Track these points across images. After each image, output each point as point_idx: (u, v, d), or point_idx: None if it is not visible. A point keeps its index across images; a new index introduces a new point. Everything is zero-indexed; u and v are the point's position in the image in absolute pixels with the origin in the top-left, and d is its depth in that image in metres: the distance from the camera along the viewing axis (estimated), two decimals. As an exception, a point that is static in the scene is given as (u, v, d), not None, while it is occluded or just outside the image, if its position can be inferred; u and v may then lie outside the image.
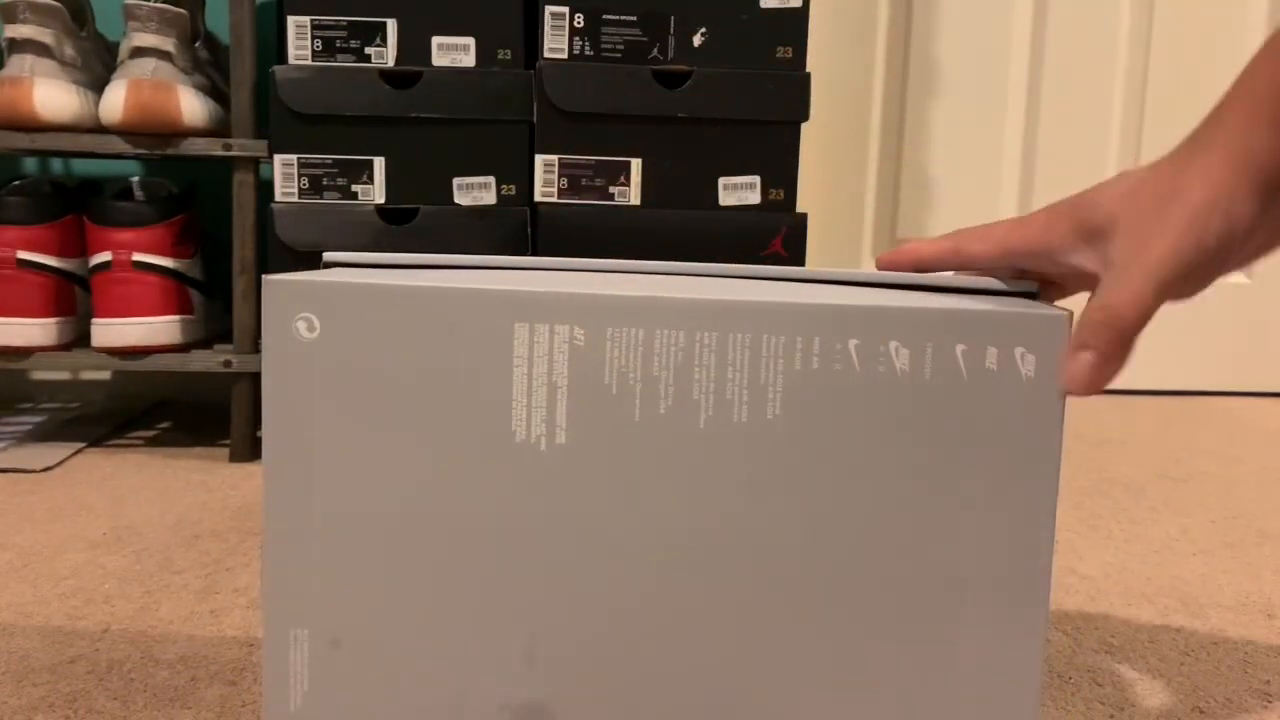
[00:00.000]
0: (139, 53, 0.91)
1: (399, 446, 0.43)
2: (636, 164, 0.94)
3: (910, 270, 0.46)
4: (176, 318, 0.96)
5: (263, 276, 0.45)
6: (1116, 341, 0.38)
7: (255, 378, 0.98)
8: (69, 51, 0.93)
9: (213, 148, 0.93)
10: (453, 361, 0.43)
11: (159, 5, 0.92)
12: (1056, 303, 0.45)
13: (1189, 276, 0.37)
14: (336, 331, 0.43)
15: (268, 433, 0.44)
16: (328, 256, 0.47)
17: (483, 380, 0.43)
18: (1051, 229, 0.41)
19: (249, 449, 0.96)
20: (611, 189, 0.94)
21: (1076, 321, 0.39)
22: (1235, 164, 0.36)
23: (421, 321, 0.43)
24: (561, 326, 0.43)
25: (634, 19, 0.92)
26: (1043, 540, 0.41)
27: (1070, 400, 1.36)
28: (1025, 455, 0.41)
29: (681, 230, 0.94)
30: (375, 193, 0.93)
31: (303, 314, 0.43)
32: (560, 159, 0.93)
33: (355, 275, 0.44)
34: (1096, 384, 0.39)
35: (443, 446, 0.43)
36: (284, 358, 0.43)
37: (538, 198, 0.93)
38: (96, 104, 0.94)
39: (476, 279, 0.44)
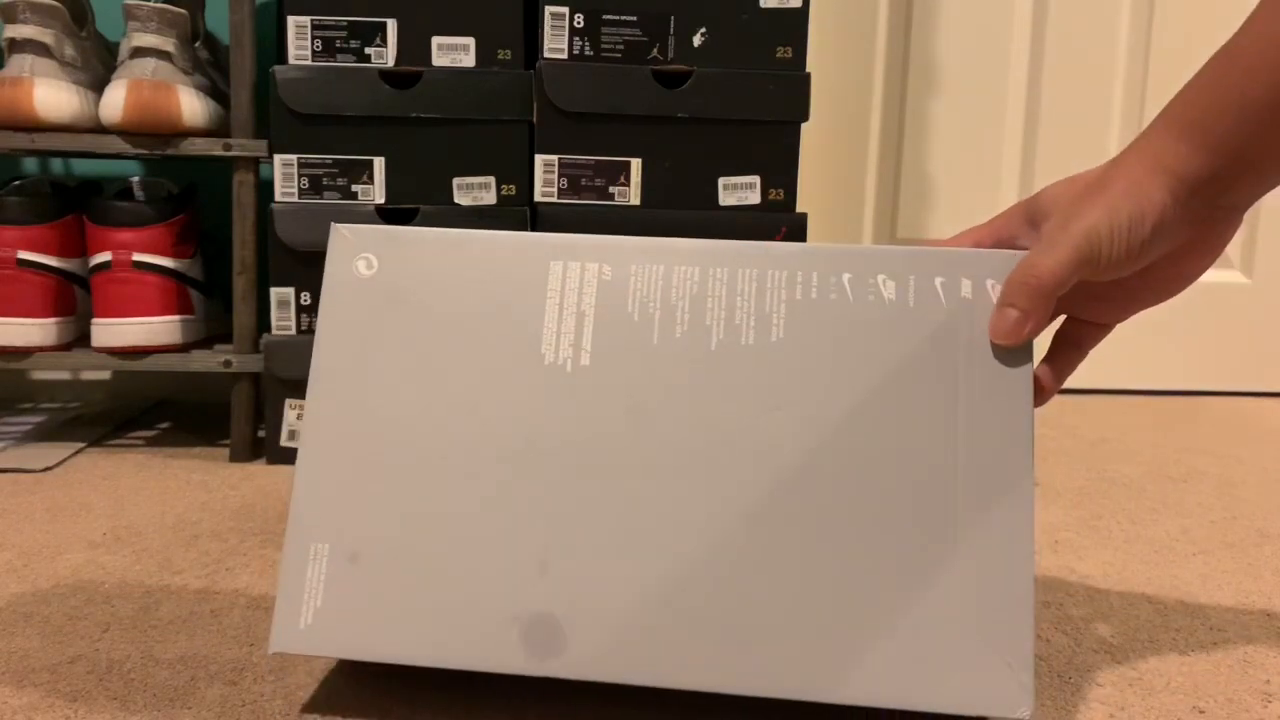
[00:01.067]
0: (139, 53, 0.91)
1: (436, 368, 0.48)
2: (636, 164, 0.94)
3: None
4: (176, 318, 0.96)
5: (331, 223, 0.50)
6: (1036, 299, 0.44)
7: (255, 378, 0.98)
8: (69, 51, 0.93)
9: (213, 148, 0.93)
10: (492, 295, 0.48)
11: (159, 5, 0.92)
12: None
13: (1103, 254, 0.43)
14: (391, 269, 0.49)
15: (316, 357, 0.48)
16: (336, 225, 0.51)
17: (518, 311, 0.48)
18: (1009, 220, 0.49)
19: (249, 449, 0.96)
20: (611, 189, 0.94)
21: (1004, 282, 0.45)
22: (1147, 164, 0.43)
23: (467, 261, 0.49)
24: (591, 264, 0.48)
25: (634, 19, 0.92)
26: (1023, 438, 0.45)
27: (1070, 400, 1.36)
28: (1001, 367, 0.46)
29: (681, 230, 0.94)
30: (375, 193, 0.93)
31: (364, 254, 0.49)
32: (560, 159, 0.93)
33: (410, 227, 0.50)
34: (1018, 336, 0.45)
35: (476, 368, 0.47)
36: (342, 291, 0.49)
37: (538, 198, 0.93)
38: (96, 104, 0.94)
39: (513, 233, 0.50)
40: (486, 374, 0.47)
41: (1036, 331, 0.45)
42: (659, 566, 0.45)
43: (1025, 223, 0.48)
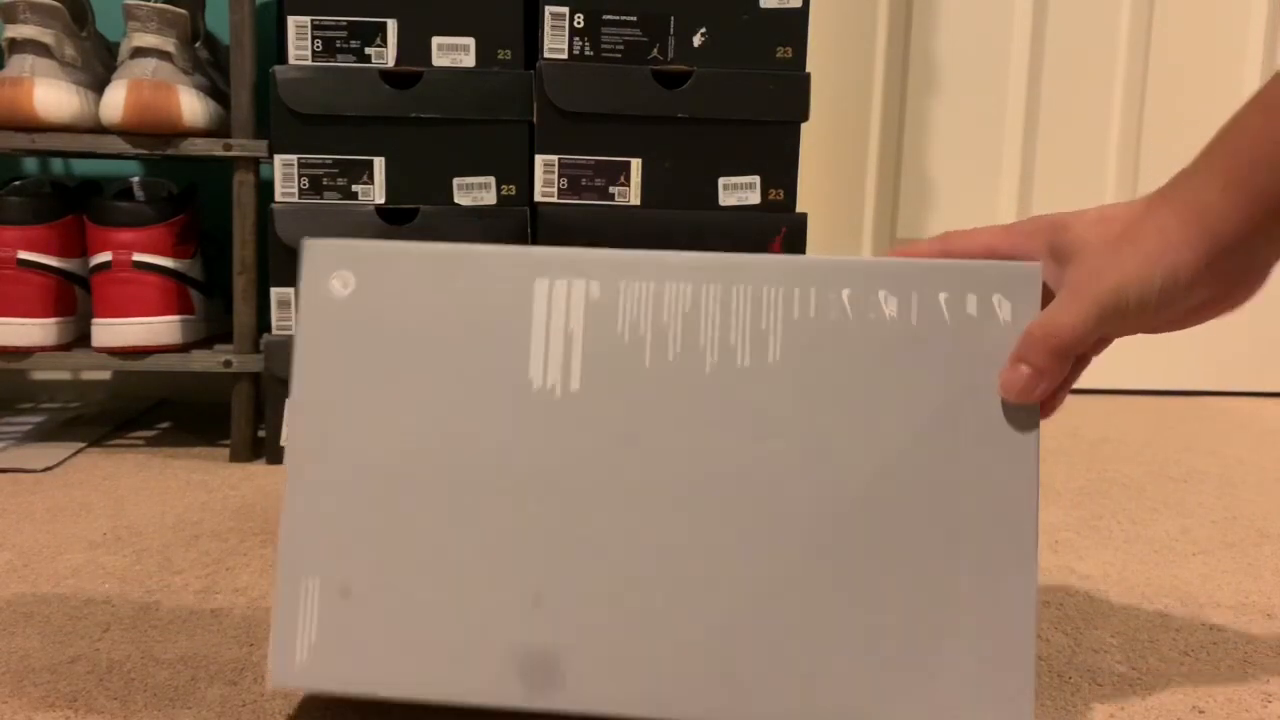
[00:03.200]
0: (139, 53, 0.91)
1: (421, 395, 0.46)
2: (636, 164, 0.94)
3: None
4: (177, 318, 0.96)
5: (303, 239, 0.47)
6: (1051, 358, 0.42)
7: (255, 378, 0.98)
8: (69, 51, 0.93)
9: (213, 148, 0.93)
10: (476, 316, 0.46)
11: (159, 5, 0.92)
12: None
13: (1130, 314, 0.41)
14: (369, 289, 0.46)
15: (296, 384, 0.46)
16: (308, 241, 0.48)
17: (503, 332, 0.46)
18: (1030, 239, 0.45)
19: (249, 449, 0.96)
20: (611, 189, 0.94)
21: (1020, 336, 0.43)
22: (1187, 220, 0.40)
23: (448, 280, 0.46)
24: (579, 281, 0.46)
25: (634, 19, 0.92)
26: (1028, 465, 0.43)
27: (1070, 400, 1.36)
28: None
29: (681, 230, 0.94)
30: (375, 193, 0.93)
31: (338, 272, 0.47)
32: (560, 159, 0.93)
33: (386, 241, 0.47)
34: (1030, 395, 0.42)
35: (463, 394, 0.45)
36: (318, 313, 0.47)
37: (538, 198, 0.93)
38: (96, 104, 0.94)
39: (497, 246, 0.47)
40: (473, 401, 0.45)
41: (1049, 390, 0.43)
42: (654, 597, 0.44)
43: (1047, 252, 0.45)
